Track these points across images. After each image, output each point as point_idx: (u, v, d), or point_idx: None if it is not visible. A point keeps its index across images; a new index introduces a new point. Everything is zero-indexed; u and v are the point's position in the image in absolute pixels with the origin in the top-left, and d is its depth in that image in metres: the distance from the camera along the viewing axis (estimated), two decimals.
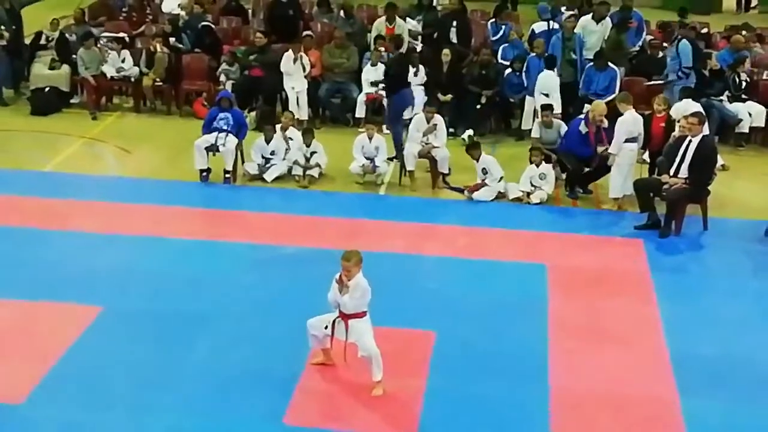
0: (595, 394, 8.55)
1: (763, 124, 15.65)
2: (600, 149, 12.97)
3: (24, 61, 17.47)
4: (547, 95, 15.00)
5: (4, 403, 8.07)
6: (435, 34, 17.39)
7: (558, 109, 14.85)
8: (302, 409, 8.18)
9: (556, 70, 15.42)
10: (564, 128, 13.89)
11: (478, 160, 13.30)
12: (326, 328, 8.39)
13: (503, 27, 17.49)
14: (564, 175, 13.63)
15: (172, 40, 17.28)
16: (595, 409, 8.31)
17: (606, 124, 13.07)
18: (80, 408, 8.08)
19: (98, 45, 17.17)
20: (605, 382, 8.75)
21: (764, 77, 16.48)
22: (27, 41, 17.77)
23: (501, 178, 13.27)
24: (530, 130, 15.24)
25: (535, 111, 15.23)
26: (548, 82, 15.20)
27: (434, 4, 18.96)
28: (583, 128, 13.14)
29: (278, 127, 14.06)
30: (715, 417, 8.24)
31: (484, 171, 13.26)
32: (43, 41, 17.46)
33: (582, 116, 13.45)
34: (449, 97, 15.92)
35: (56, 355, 8.81)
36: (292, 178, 13.73)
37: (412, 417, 8.09)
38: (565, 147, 13.45)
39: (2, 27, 17.15)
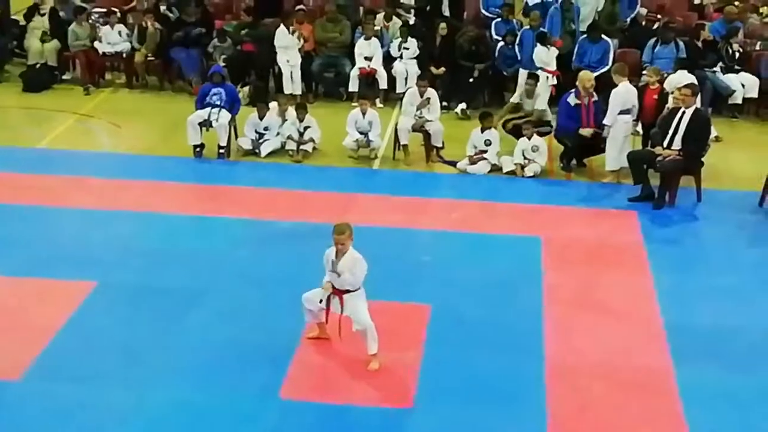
0: (590, 364, 8.59)
1: (756, 95, 15.64)
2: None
3: (9, 38, 17.37)
4: (541, 69, 15.03)
5: (1, 379, 8.08)
6: (428, 7, 17.32)
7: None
8: (298, 382, 8.21)
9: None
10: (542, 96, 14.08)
11: (483, 132, 13.27)
12: (321, 302, 8.41)
13: None
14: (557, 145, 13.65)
15: (162, 8, 17.17)
16: (590, 380, 8.34)
17: (595, 97, 13.07)
18: (76, 383, 8.08)
19: (90, 20, 17.08)
20: (600, 353, 8.79)
21: (757, 48, 16.45)
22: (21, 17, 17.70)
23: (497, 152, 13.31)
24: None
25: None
26: (542, 56, 15.20)
27: None
28: (572, 100, 13.09)
29: (273, 105, 14.03)
30: (709, 386, 8.28)
31: (487, 143, 13.22)
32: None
33: (572, 90, 13.37)
34: (442, 70, 15.88)
35: (52, 331, 8.81)
36: (286, 153, 13.70)
37: (408, 390, 8.12)
38: (560, 127, 13.39)
39: None
